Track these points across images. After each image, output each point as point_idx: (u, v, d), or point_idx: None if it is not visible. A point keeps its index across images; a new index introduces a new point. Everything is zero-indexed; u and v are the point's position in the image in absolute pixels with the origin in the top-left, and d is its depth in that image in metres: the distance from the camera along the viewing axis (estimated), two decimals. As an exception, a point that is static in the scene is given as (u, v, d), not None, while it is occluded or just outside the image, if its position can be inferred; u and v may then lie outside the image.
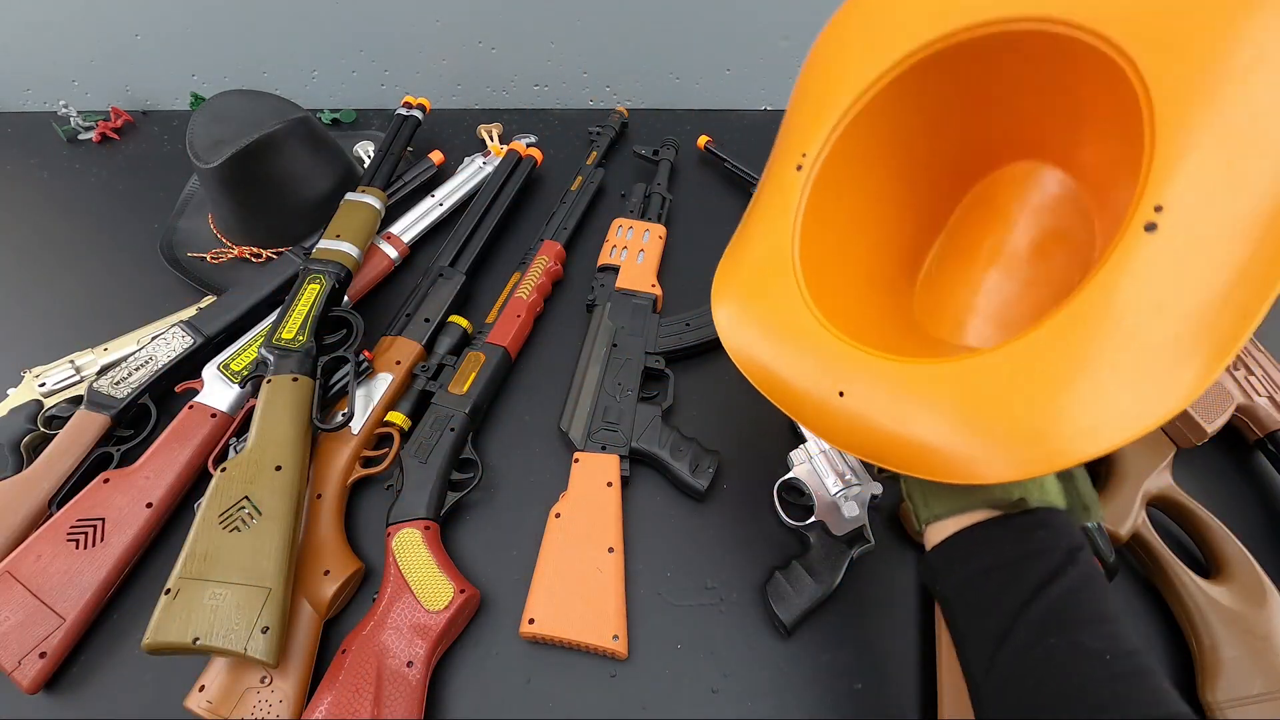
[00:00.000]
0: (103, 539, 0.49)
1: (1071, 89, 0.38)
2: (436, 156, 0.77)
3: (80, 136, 0.87)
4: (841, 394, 0.38)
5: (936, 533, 0.37)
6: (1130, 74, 0.32)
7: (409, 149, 0.77)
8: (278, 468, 0.48)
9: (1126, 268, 0.29)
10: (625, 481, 0.54)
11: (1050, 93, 0.39)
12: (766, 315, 0.43)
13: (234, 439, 0.54)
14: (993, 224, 0.45)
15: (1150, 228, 0.29)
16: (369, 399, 0.57)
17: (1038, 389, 0.31)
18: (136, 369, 0.57)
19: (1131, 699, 0.28)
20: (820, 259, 0.43)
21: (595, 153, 0.80)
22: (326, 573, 0.48)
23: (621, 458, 0.55)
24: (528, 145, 0.80)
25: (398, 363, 0.59)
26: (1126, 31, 0.32)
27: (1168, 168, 0.29)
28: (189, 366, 0.59)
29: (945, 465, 0.33)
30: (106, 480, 0.51)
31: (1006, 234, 0.44)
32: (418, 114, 0.76)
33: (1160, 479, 0.51)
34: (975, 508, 0.36)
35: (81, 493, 0.50)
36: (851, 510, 0.51)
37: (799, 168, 0.44)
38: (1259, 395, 0.56)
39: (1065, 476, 0.37)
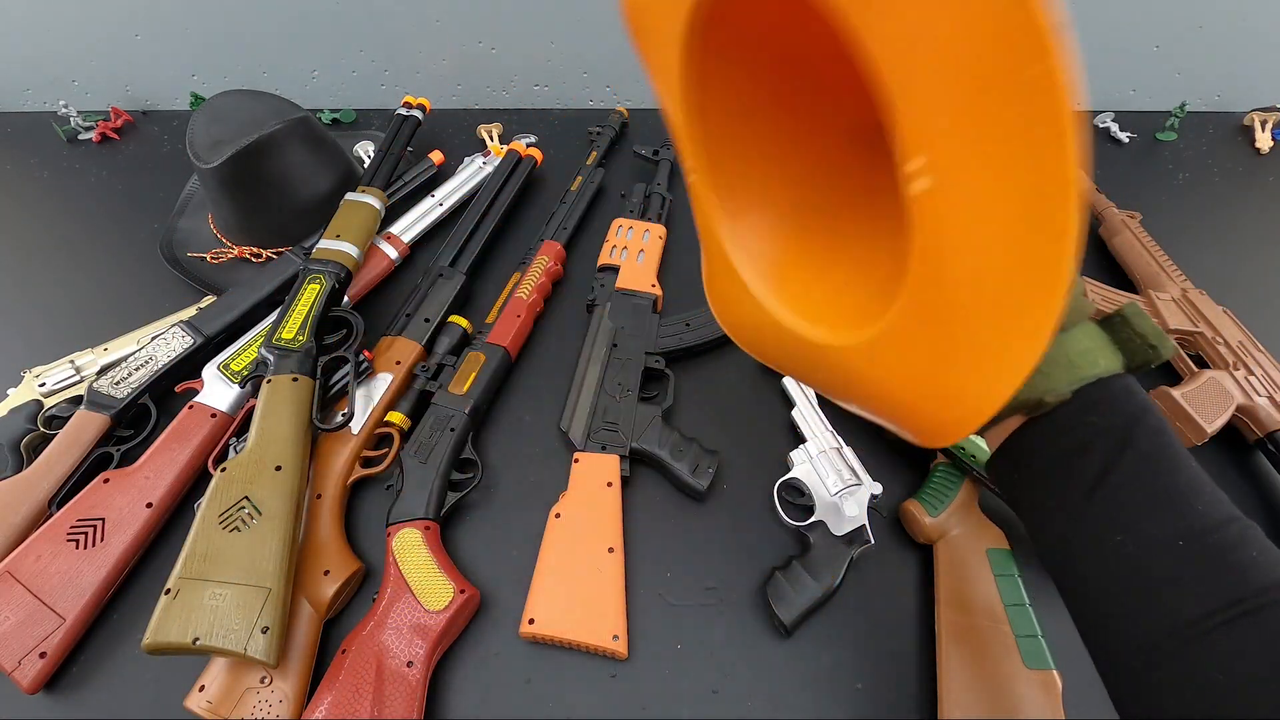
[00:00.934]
0: (103, 539, 0.49)
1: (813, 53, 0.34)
2: (436, 156, 0.77)
3: (80, 136, 0.87)
4: (818, 370, 0.38)
5: (993, 439, 0.35)
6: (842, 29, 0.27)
7: (409, 149, 0.77)
8: (278, 468, 0.48)
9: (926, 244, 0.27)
10: (625, 481, 0.54)
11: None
12: (741, 313, 0.43)
13: (234, 439, 0.54)
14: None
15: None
16: (369, 399, 0.57)
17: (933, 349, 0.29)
18: (136, 369, 0.57)
19: (1210, 584, 0.26)
20: (760, 244, 0.42)
21: (595, 153, 0.80)
22: (326, 573, 0.48)
23: (621, 458, 0.55)
24: (528, 145, 0.80)
25: (398, 363, 0.59)
26: None
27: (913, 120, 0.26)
28: (189, 366, 0.59)
29: (919, 423, 0.32)
30: (106, 480, 0.51)
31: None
32: (418, 114, 0.76)
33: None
34: (1006, 416, 0.32)
35: (81, 493, 0.50)
36: (851, 510, 0.51)
37: (693, 173, 0.41)
38: (1259, 395, 0.56)
39: (1111, 323, 0.32)
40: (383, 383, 0.58)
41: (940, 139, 0.25)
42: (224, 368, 0.57)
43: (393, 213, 0.72)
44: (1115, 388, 0.30)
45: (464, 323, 0.63)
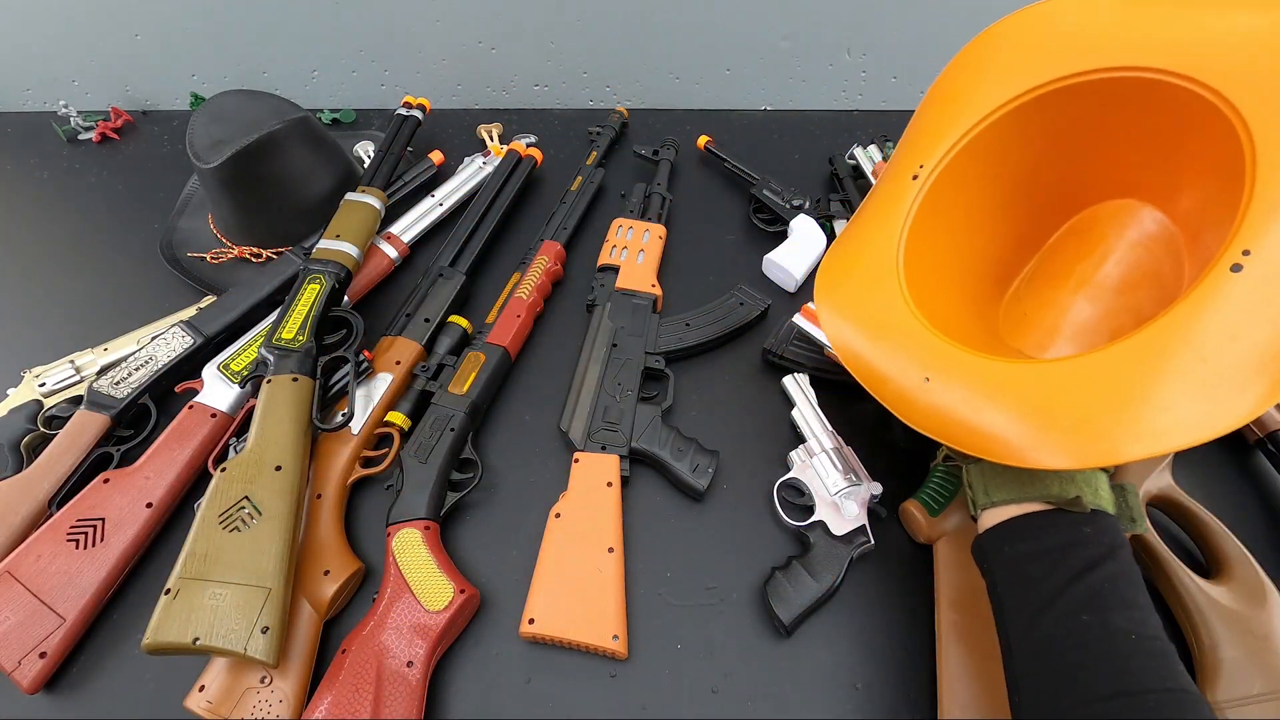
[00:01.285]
0: (103, 539, 0.49)
1: (1177, 135, 0.42)
2: (436, 156, 0.77)
3: (80, 136, 0.87)
4: (927, 380, 0.42)
5: (991, 517, 0.41)
6: (1236, 125, 0.37)
7: (409, 149, 0.77)
8: (278, 468, 0.48)
9: (1208, 301, 0.34)
10: (625, 481, 0.54)
11: (1156, 136, 0.43)
12: (867, 307, 0.48)
13: (234, 439, 0.54)
14: (1085, 253, 0.49)
15: (1236, 269, 0.34)
16: (369, 399, 0.57)
17: (1109, 393, 0.35)
18: (136, 369, 0.57)
19: (1150, 671, 0.32)
20: (922, 262, 0.48)
21: (595, 153, 0.80)
22: (326, 573, 0.48)
23: (621, 458, 0.55)
24: (528, 145, 0.80)
25: (398, 363, 0.59)
26: (1235, 84, 0.37)
27: (1261, 216, 0.34)
28: (189, 366, 0.59)
29: (1010, 450, 0.37)
30: (106, 480, 0.51)
31: (1098, 264, 0.48)
32: (418, 114, 0.76)
33: (1160, 479, 0.51)
34: (1032, 499, 0.39)
35: (81, 493, 0.50)
36: (851, 510, 0.51)
37: (915, 177, 0.48)
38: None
39: (1119, 490, 0.41)
40: (383, 383, 0.58)
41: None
42: (224, 368, 0.57)
43: (393, 213, 0.72)
44: (1112, 520, 0.39)
45: (464, 323, 0.63)
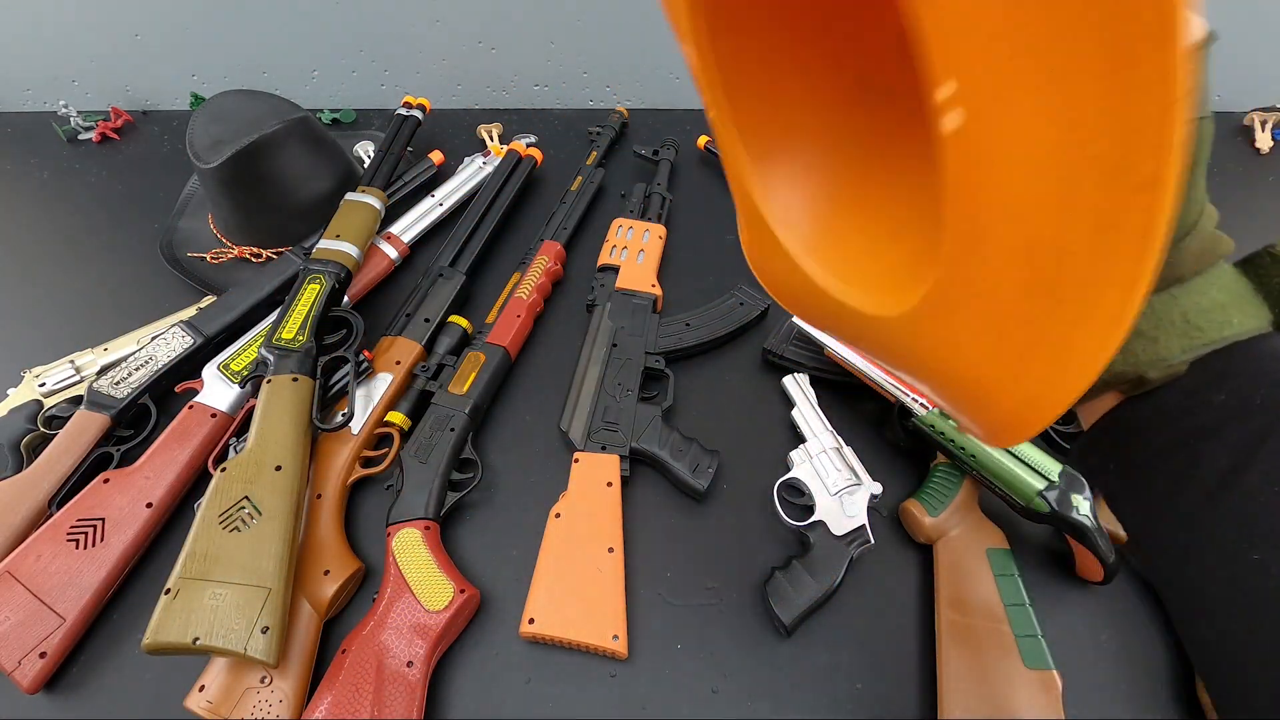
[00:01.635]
0: (103, 539, 0.49)
1: None
2: (436, 156, 0.77)
3: (80, 136, 0.87)
4: (861, 340, 0.31)
5: (1087, 415, 0.28)
6: None
7: (409, 149, 0.77)
8: (278, 468, 0.48)
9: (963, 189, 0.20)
10: (625, 481, 0.54)
11: None
12: (778, 278, 0.37)
13: (234, 439, 0.54)
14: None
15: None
16: (369, 399, 0.57)
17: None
18: (136, 369, 0.57)
19: None
20: (793, 192, 0.36)
21: (595, 153, 0.80)
22: (326, 573, 0.48)
23: (621, 458, 0.55)
24: (528, 145, 0.80)
25: (398, 363, 0.59)
26: None
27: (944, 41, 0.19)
28: (189, 366, 0.59)
29: (976, 418, 0.25)
30: (106, 480, 0.51)
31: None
32: (418, 114, 0.76)
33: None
34: (1098, 391, 0.26)
35: (81, 493, 0.50)
36: (851, 510, 0.51)
37: (716, 122, 0.35)
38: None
39: (1254, 266, 0.24)
40: (383, 383, 0.58)
41: (976, 54, 0.19)
42: (224, 368, 0.57)
43: (393, 213, 0.72)
44: (1255, 354, 0.23)
45: (464, 323, 0.63)
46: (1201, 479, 0.23)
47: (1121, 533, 0.50)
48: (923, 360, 0.26)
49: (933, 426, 0.51)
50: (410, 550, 0.49)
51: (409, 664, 0.44)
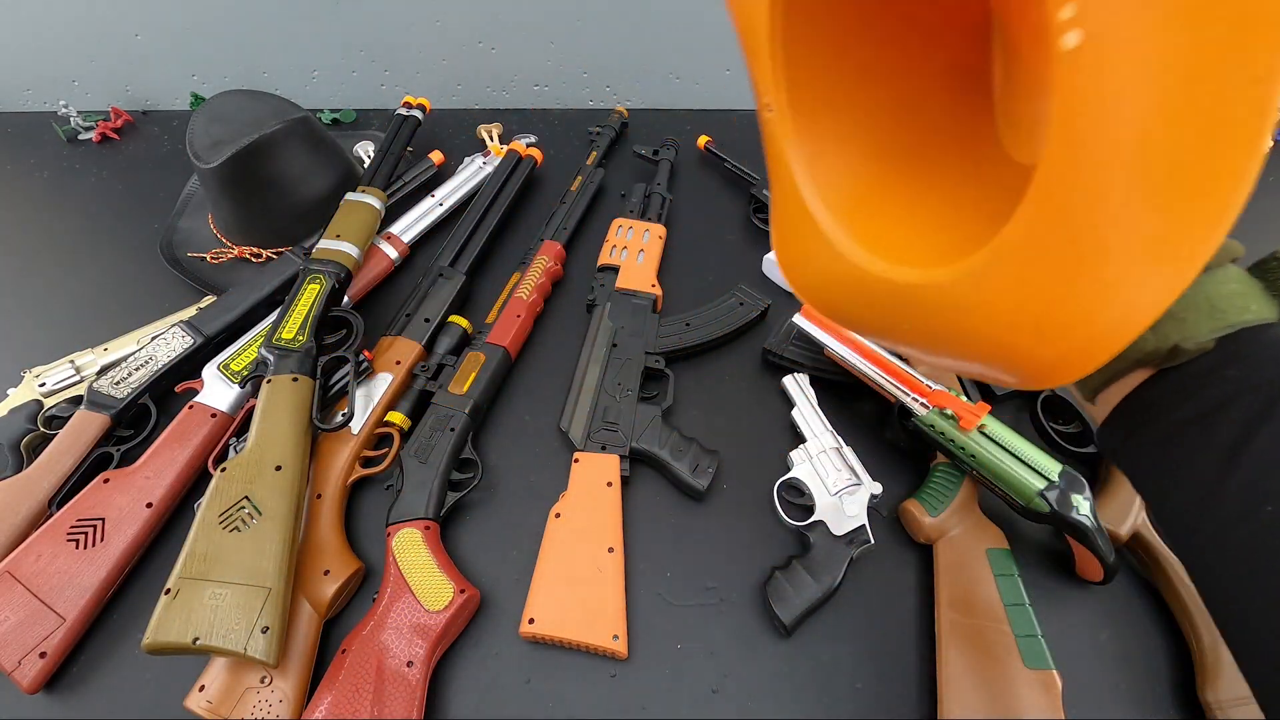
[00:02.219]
0: (103, 539, 0.49)
1: None
2: (436, 156, 0.77)
3: (80, 136, 0.87)
4: (905, 319, 0.32)
5: (1105, 403, 0.31)
6: None
7: (409, 149, 0.77)
8: (278, 468, 0.48)
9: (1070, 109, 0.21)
10: (625, 481, 0.54)
11: None
12: (815, 265, 0.38)
13: (234, 439, 0.54)
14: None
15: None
16: (369, 399, 0.57)
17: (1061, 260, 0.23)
18: (136, 369, 0.57)
19: None
20: (848, 181, 0.38)
21: (595, 153, 0.80)
22: (326, 573, 0.48)
23: (621, 458, 0.55)
24: (528, 145, 0.80)
25: (398, 363, 0.59)
26: None
27: None
28: (189, 366, 0.59)
29: (1024, 362, 0.26)
30: (106, 480, 0.51)
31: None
32: (418, 114, 0.76)
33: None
34: (1129, 369, 0.28)
35: (81, 493, 0.50)
36: (851, 510, 0.51)
37: (770, 109, 0.38)
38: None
39: (1262, 269, 0.28)
40: (383, 383, 0.58)
41: None
42: (224, 368, 0.57)
43: (393, 213, 0.72)
44: (1265, 339, 0.26)
45: (464, 323, 0.63)
46: (1217, 445, 0.25)
47: (1121, 532, 0.50)
48: (964, 318, 0.27)
49: (933, 426, 0.51)
50: (410, 550, 0.49)
51: (409, 664, 0.44)
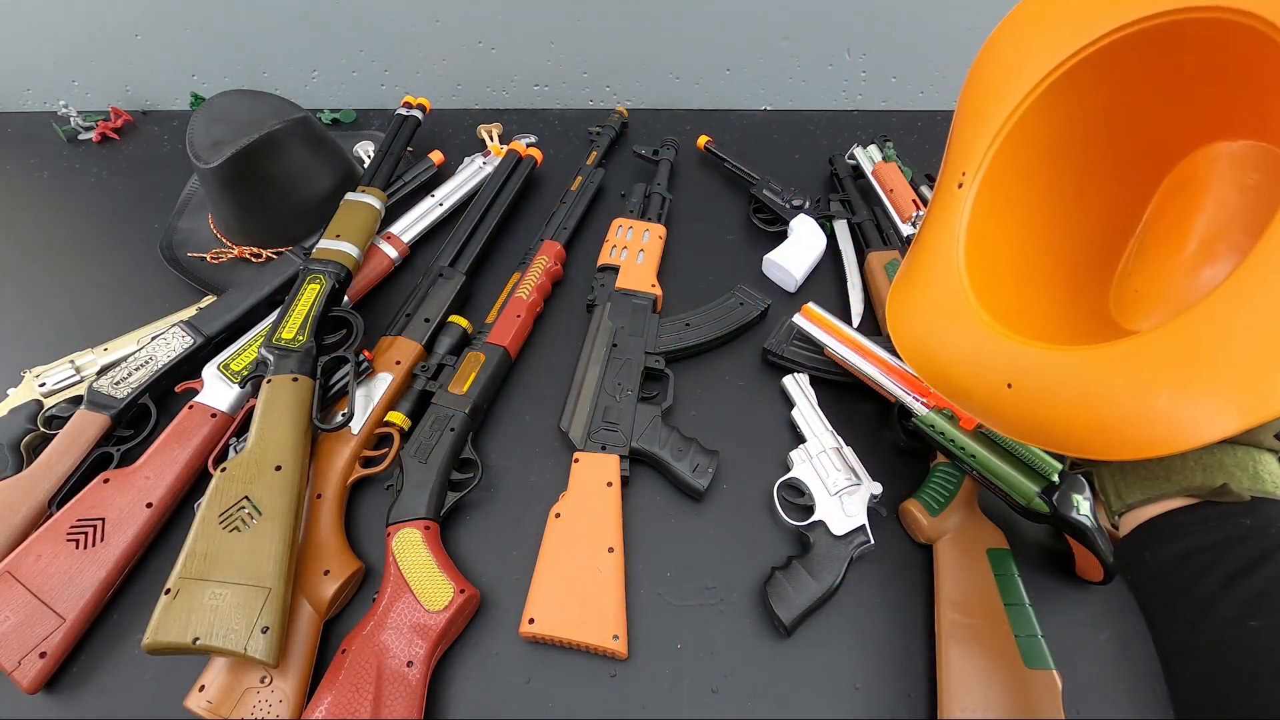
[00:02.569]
0: (103, 539, 0.49)
1: (1247, 68, 0.38)
2: (436, 156, 0.77)
3: (80, 136, 0.87)
4: (1010, 385, 0.39)
5: (1130, 521, 0.36)
6: None
7: (409, 149, 0.77)
8: (278, 468, 0.48)
9: None
10: (625, 481, 0.54)
11: (1226, 73, 0.39)
12: (938, 323, 0.46)
13: (234, 439, 0.54)
14: (1191, 208, 0.44)
15: None
16: (369, 399, 0.57)
17: (1247, 332, 0.30)
18: (136, 369, 0.57)
19: None
20: (991, 266, 0.45)
21: (595, 153, 0.80)
22: (326, 573, 0.48)
23: (621, 458, 0.55)
24: (528, 145, 0.80)
25: (398, 363, 0.59)
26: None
27: None
28: (189, 366, 0.59)
29: (1124, 438, 0.33)
30: (106, 480, 0.51)
31: (1212, 216, 0.43)
32: (418, 114, 0.76)
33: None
34: (1171, 495, 0.34)
35: (81, 493, 0.50)
36: (851, 510, 0.51)
37: (960, 185, 0.46)
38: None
39: None
40: (383, 383, 0.58)
41: None
42: (224, 368, 0.57)
43: (393, 213, 0.72)
44: (1277, 507, 0.31)
45: (464, 323, 0.63)
46: (1220, 572, 0.30)
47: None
48: (1075, 395, 0.35)
49: (933, 426, 0.51)
50: (410, 550, 0.49)
51: (409, 664, 0.44)
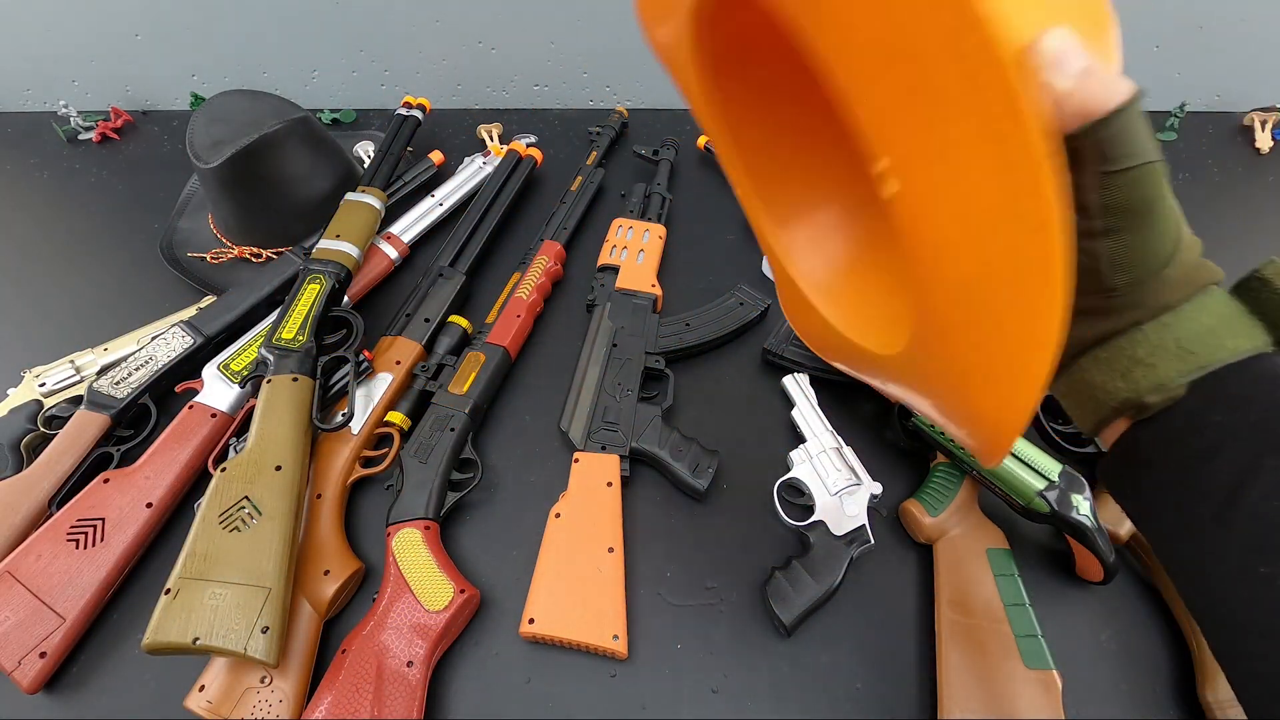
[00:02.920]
0: (103, 539, 0.49)
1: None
2: (436, 156, 0.77)
3: (80, 136, 0.87)
4: (880, 376, 0.39)
5: (1106, 438, 0.29)
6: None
7: (409, 149, 0.77)
8: (278, 468, 0.48)
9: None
10: (625, 481, 0.54)
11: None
12: (805, 320, 0.45)
13: (234, 439, 0.54)
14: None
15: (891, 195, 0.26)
16: (369, 399, 0.57)
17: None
18: (136, 369, 0.57)
19: None
20: (812, 252, 0.44)
21: (595, 153, 0.80)
22: (326, 573, 0.48)
23: (621, 458, 0.55)
24: (528, 145, 0.80)
25: (398, 363, 0.59)
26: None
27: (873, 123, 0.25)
28: (189, 366, 0.59)
29: (970, 438, 0.29)
30: (106, 480, 0.51)
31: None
32: (418, 114, 0.76)
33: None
34: (1109, 417, 0.27)
35: (81, 493, 0.50)
36: (851, 510, 0.51)
37: (739, 186, 0.44)
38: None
39: (1245, 289, 0.26)
40: (383, 383, 0.58)
41: (897, 136, 0.24)
42: (224, 368, 0.57)
43: (393, 213, 0.72)
44: (1252, 374, 0.24)
45: (464, 323, 0.63)
46: (1207, 499, 0.24)
47: (1121, 533, 0.50)
48: (918, 389, 0.33)
49: (932, 426, 0.51)
50: (410, 550, 0.49)
51: (409, 664, 0.44)
